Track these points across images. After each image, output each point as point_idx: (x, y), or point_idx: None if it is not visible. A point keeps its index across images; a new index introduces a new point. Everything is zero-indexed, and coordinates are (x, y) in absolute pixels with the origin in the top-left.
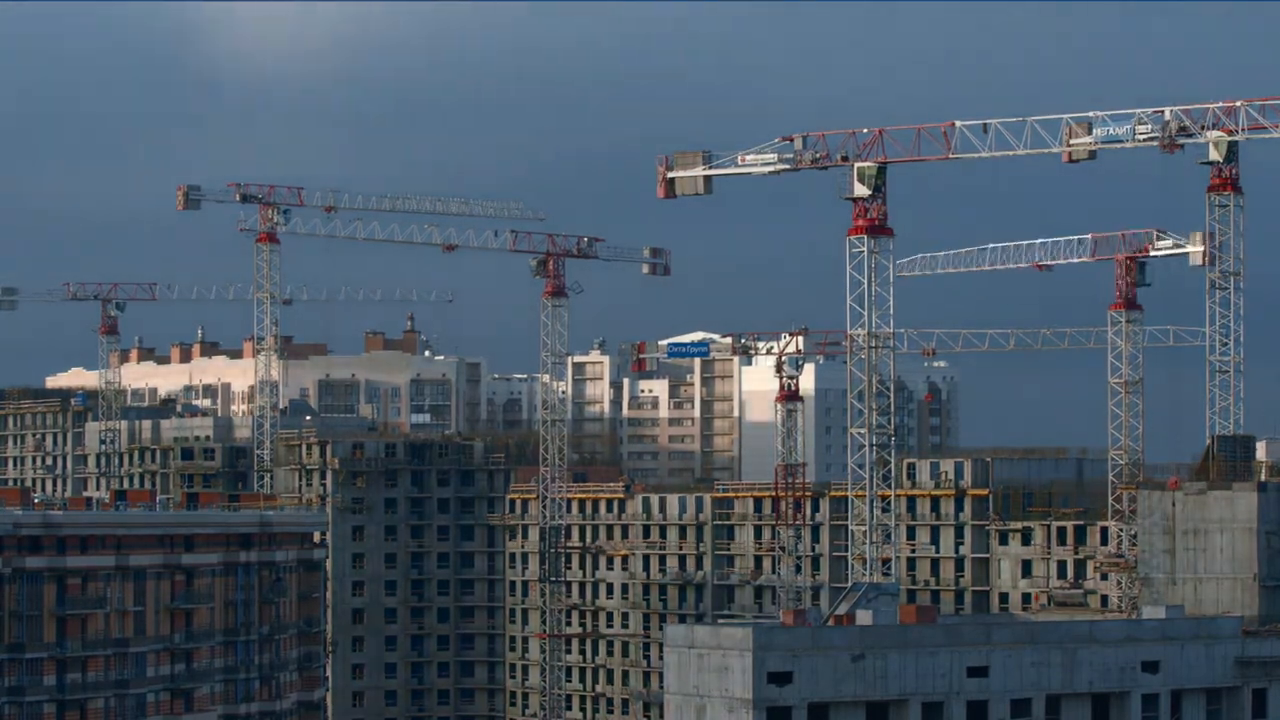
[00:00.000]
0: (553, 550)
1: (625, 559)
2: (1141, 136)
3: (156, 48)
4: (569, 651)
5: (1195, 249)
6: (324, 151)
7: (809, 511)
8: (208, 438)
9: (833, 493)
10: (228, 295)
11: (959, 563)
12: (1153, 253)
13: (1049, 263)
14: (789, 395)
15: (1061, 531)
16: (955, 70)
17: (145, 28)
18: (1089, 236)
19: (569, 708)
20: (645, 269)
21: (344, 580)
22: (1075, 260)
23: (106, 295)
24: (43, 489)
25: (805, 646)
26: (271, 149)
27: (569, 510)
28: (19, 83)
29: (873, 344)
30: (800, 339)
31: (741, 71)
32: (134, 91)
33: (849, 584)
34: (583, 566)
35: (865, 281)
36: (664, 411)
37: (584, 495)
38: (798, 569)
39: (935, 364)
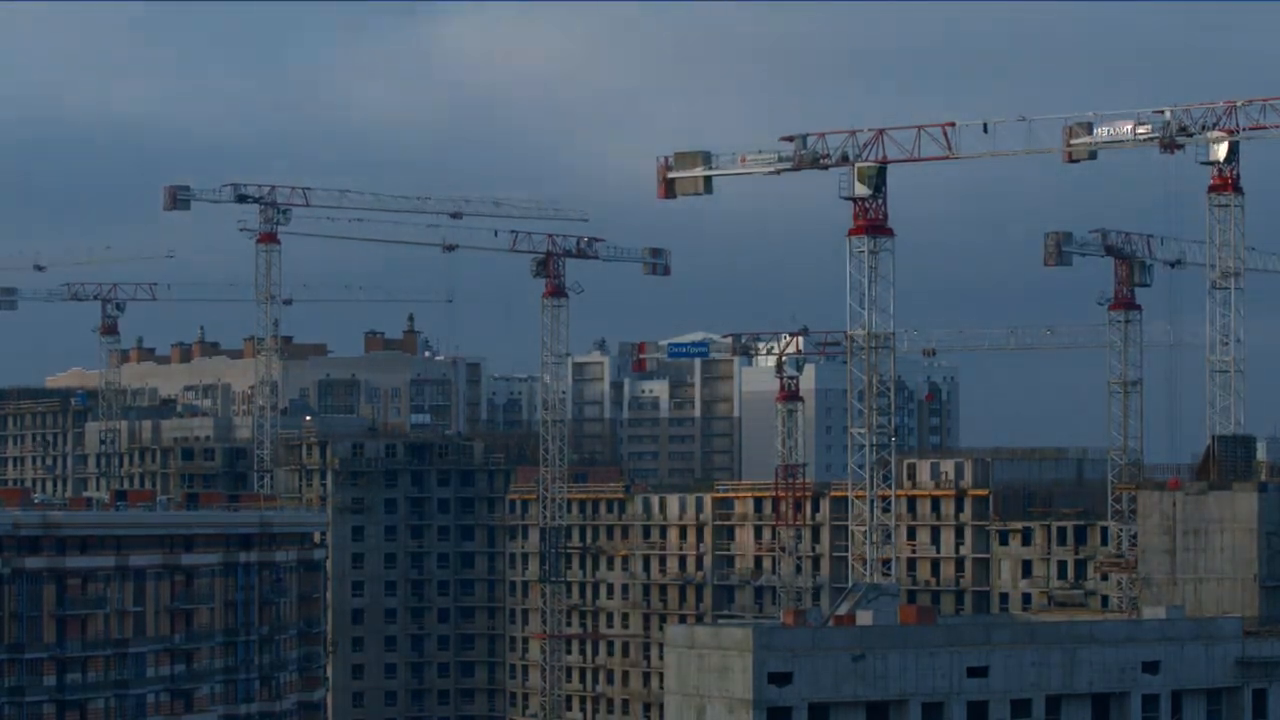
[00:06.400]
0: (553, 551)
1: (625, 559)
2: (1141, 136)
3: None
4: (569, 652)
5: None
6: (326, 151)
7: (809, 512)
8: (208, 438)
9: (833, 493)
10: (228, 295)
11: (959, 563)
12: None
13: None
14: (789, 395)
15: (1061, 532)
16: (955, 70)
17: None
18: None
19: (569, 708)
20: (645, 269)
21: (344, 580)
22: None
23: (106, 295)
24: (43, 489)
25: (805, 647)
26: (273, 147)
27: (569, 511)
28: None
29: (873, 344)
30: (800, 339)
31: (739, 71)
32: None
33: (849, 584)
34: (583, 567)
35: (865, 281)
36: (664, 412)
37: (584, 496)
38: (798, 569)
39: (935, 364)
